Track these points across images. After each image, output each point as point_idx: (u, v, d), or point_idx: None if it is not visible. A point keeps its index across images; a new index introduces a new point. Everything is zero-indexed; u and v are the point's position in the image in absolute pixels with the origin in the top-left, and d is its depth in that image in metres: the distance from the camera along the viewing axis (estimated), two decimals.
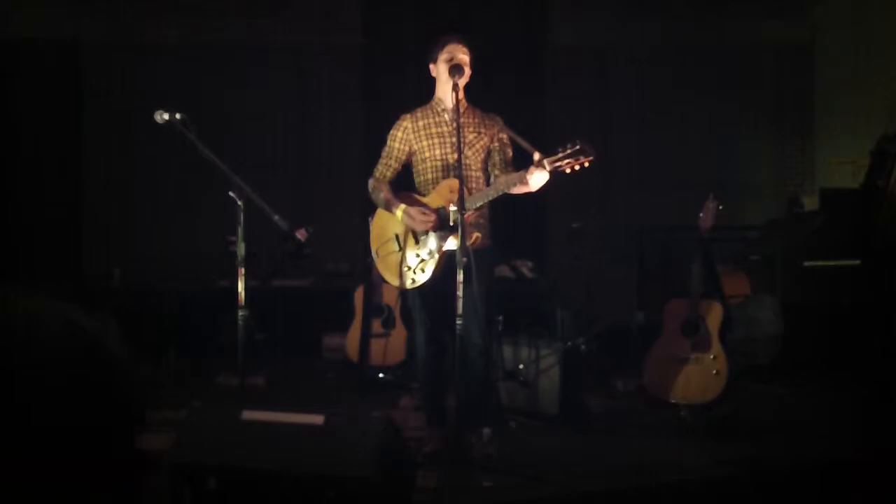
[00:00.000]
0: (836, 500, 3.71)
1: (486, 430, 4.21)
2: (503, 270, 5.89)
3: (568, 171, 3.77)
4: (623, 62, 7.81)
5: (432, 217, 4.00)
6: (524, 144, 3.99)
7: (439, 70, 4.13)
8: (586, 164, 3.76)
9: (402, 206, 4.05)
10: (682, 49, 7.74)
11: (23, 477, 1.41)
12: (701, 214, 4.88)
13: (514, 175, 3.96)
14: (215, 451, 3.05)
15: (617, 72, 7.82)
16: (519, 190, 3.93)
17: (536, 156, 3.82)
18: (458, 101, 3.99)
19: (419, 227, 4.03)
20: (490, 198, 3.96)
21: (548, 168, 3.78)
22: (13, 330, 1.47)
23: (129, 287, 6.97)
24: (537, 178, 3.84)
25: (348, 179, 7.31)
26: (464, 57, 4.07)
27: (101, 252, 7.42)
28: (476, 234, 3.96)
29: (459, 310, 3.71)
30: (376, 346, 5.77)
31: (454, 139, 4.05)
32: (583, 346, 5.02)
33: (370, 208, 4.30)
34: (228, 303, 4.18)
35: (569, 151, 3.75)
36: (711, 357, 4.77)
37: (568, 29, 7.80)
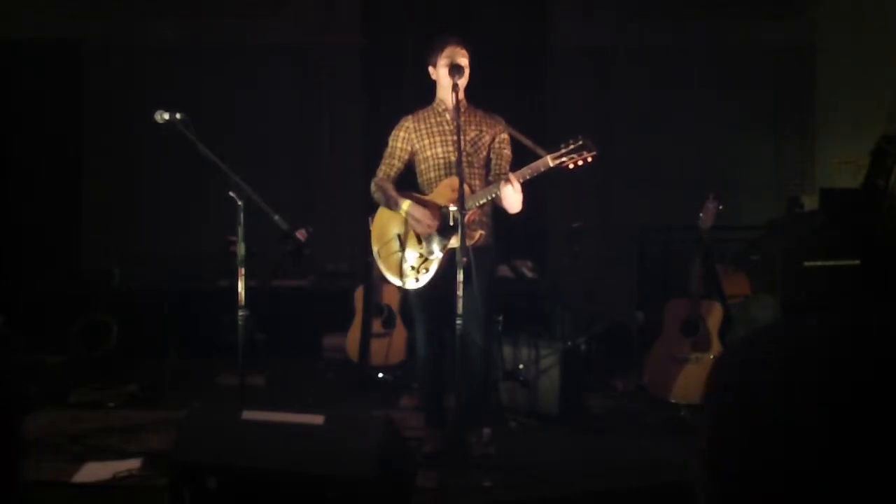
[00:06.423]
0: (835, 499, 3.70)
1: (486, 430, 4.21)
2: (503, 270, 5.88)
3: (571, 166, 3.79)
4: (623, 62, 7.80)
5: (435, 222, 4.01)
6: (528, 144, 4.00)
7: (439, 73, 4.13)
8: (589, 160, 3.78)
9: (408, 201, 4.05)
10: (682, 49, 7.73)
11: None
12: (701, 214, 4.88)
13: (499, 183, 3.96)
14: (215, 451, 3.05)
15: (617, 72, 7.81)
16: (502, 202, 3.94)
17: (511, 177, 3.83)
18: (457, 101, 4.00)
19: (421, 231, 4.04)
20: (491, 196, 3.96)
21: (551, 164, 3.81)
22: None
23: (129, 287, 6.98)
24: (508, 193, 3.85)
25: (348, 179, 7.31)
26: (463, 59, 4.08)
27: (101, 252, 7.42)
28: (479, 232, 3.96)
29: (459, 309, 3.71)
30: (376, 346, 5.77)
31: (455, 138, 4.05)
32: (583, 346, 5.02)
33: (371, 208, 4.30)
34: (228, 303, 4.18)
35: (571, 147, 3.77)
36: (711, 357, 4.77)
37: (568, 29, 7.80)
